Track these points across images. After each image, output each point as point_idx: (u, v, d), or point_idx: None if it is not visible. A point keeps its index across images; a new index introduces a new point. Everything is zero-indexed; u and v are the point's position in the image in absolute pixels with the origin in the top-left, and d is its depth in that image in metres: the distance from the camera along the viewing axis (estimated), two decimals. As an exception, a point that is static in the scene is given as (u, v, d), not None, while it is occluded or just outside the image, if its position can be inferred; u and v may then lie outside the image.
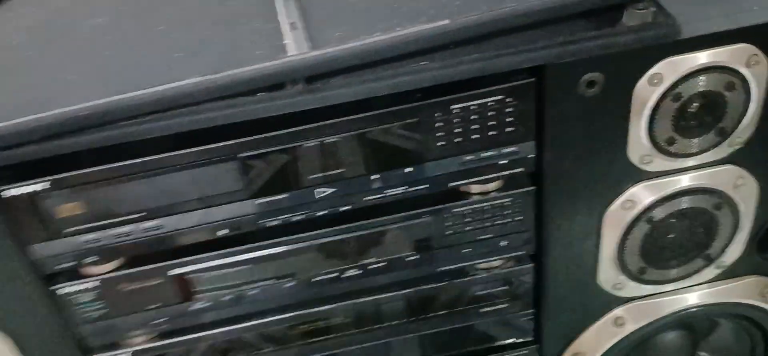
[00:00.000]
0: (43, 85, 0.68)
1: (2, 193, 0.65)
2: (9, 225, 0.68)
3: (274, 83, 0.64)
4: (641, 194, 0.78)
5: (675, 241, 0.83)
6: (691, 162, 0.77)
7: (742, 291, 0.90)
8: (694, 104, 0.72)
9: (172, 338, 0.81)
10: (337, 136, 0.68)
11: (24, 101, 0.65)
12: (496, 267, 0.82)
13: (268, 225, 0.73)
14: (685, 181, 0.78)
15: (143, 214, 0.70)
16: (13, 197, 0.65)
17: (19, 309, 0.75)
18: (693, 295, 0.90)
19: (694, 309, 0.91)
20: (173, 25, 0.74)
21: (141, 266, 0.74)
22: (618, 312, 0.89)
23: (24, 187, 0.65)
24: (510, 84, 0.67)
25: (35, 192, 0.66)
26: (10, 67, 0.72)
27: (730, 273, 0.89)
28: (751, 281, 0.90)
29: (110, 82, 0.66)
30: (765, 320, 0.94)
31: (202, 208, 0.71)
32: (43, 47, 0.74)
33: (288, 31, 0.68)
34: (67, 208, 0.68)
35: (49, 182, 0.66)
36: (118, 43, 0.73)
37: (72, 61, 0.71)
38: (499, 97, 0.67)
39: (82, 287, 0.73)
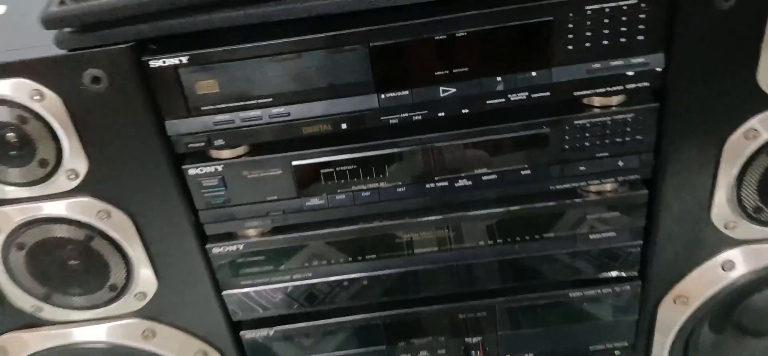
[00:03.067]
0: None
1: (151, 64, 0.69)
2: (150, 98, 0.71)
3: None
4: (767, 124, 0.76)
5: (798, 181, 0.81)
6: (824, 93, 0.74)
7: None
8: (834, 27, 0.70)
9: (284, 234, 0.83)
10: (467, 30, 0.68)
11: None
12: (609, 191, 0.81)
13: (389, 122, 0.74)
14: (816, 113, 0.76)
15: (271, 99, 0.72)
16: (158, 67, 0.69)
17: (144, 189, 0.79)
18: (810, 244, 0.87)
19: (811, 259, 0.88)
20: None
21: (265, 154, 0.77)
22: (728, 254, 0.87)
23: (166, 59, 0.69)
24: (647, -12, 0.67)
25: (176, 65, 0.69)
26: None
27: None
28: None
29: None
30: None
31: (328, 98, 0.73)
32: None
33: None
34: (204, 85, 0.71)
35: (188, 56, 0.69)
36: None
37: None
38: (634, 1, 0.67)
39: (209, 169, 0.77)
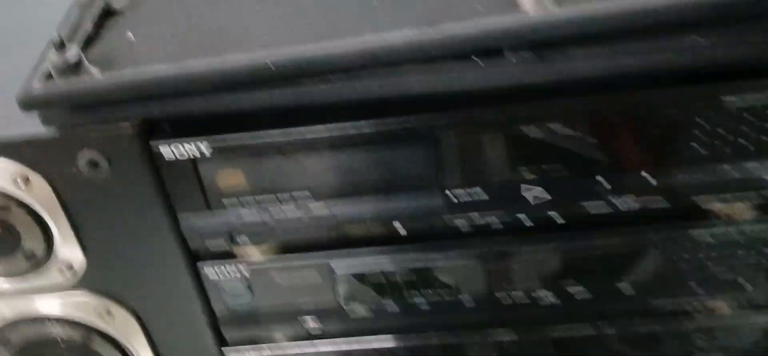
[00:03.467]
0: (217, 24, 0.56)
1: (162, 152, 0.54)
2: (160, 186, 0.57)
3: (499, 48, 0.50)
4: None
5: None
6: None
7: None
8: None
9: (317, 341, 0.69)
10: (565, 120, 0.53)
11: (195, 42, 0.54)
12: (725, 311, 0.65)
13: (457, 226, 0.59)
14: None
15: (309, 193, 0.58)
16: (172, 157, 0.55)
17: (153, 287, 0.65)
18: None
19: None
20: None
21: (298, 253, 0.62)
22: None
23: (183, 146, 0.54)
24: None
25: (196, 154, 0.55)
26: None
27: None
28: None
29: (296, 25, 0.54)
30: None
31: (380, 193, 0.58)
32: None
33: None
34: (227, 176, 0.56)
35: (210, 148, 0.54)
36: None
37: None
38: (789, 93, 0.51)
39: (232, 272, 0.62)
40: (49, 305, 0.66)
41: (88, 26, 0.56)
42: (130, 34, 0.56)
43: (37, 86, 0.49)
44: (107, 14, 0.59)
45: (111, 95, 0.50)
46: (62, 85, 0.49)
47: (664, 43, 0.49)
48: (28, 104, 0.49)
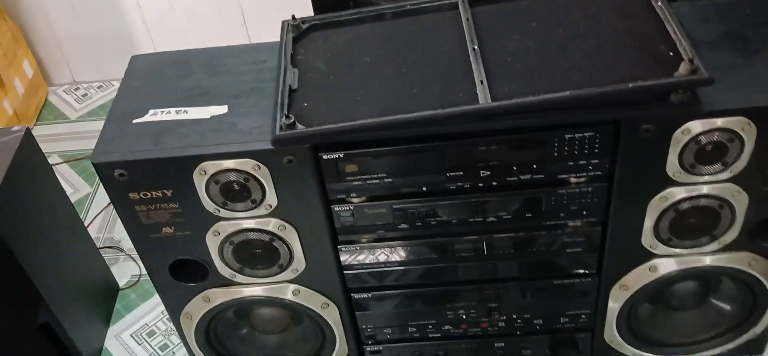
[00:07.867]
0: (343, 101, 1.26)
1: (323, 156, 1.26)
2: (319, 170, 1.29)
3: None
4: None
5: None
6: (704, 181, 1.28)
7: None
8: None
9: (382, 242, 1.42)
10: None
11: (334, 110, 1.24)
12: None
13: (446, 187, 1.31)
14: (699, 191, 1.30)
15: (384, 176, 1.29)
16: (327, 158, 1.26)
17: (307, 214, 1.35)
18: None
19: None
20: (411, 68, 1.30)
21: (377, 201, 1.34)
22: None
23: (332, 155, 1.26)
24: (598, 130, 1.21)
25: (338, 157, 1.26)
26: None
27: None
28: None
29: (383, 102, 1.23)
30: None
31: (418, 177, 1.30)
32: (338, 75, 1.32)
33: (479, 85, 1.22)
34: (350, 166, 1.28)
35: (344, 154, 1.26)
36: (384, 77, 1.29)
37: (356, 87, 1.29)
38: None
39: (344, 207, 1.35)
40: (251, 223, 1.38)
41: (286, 98, 1.26)
42: (305, 104, 1.26)
43: (278, 134, 1.19)
44: (291, 92, 1.28)
45: (307, 139, 1.21)
46: (286, 135, 1.19)
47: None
48: (275, 142, 1.20)
